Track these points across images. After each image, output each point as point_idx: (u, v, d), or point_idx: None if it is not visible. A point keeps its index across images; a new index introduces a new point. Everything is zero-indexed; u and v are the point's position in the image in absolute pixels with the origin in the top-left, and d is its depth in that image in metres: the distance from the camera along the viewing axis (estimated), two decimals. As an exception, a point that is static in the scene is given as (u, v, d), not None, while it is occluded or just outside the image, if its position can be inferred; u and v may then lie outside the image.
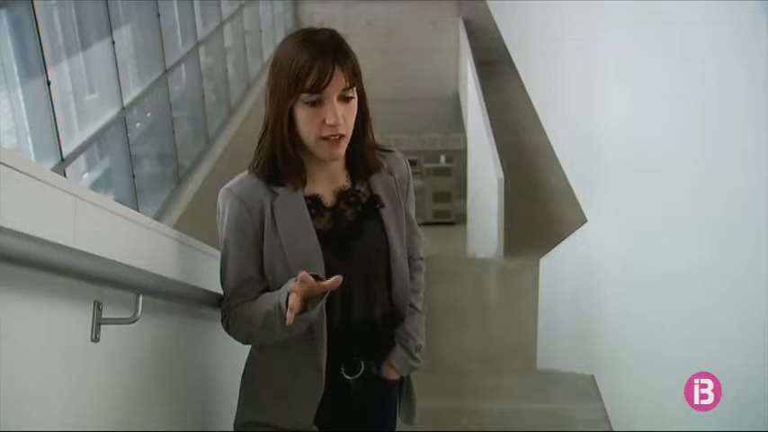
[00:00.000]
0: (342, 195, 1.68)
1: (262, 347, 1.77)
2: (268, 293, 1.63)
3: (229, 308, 1.69)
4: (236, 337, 1.73)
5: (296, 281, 1.47)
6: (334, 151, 1.57)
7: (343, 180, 1.69)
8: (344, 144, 1.58)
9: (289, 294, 1.48)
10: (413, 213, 1.85)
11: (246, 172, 1.66)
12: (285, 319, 1.46)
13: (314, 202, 1.65)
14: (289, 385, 1.71)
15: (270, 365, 1.74)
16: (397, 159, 1.76)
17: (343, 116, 1.53)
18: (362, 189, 1.70)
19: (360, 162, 1.68)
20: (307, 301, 1.50)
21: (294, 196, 1.63)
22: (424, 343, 1.83)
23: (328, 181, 1.68)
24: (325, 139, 1.55)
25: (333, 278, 1.45)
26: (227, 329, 1.72)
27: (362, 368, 1.75)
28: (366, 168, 1.69)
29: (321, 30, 1.57)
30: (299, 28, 1.85)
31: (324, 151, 1.57)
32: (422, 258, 1.92)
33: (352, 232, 1.67)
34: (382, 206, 1.70)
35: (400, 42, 12.16)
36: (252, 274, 1.65)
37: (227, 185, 1.66)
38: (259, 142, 1.63)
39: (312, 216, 1.64)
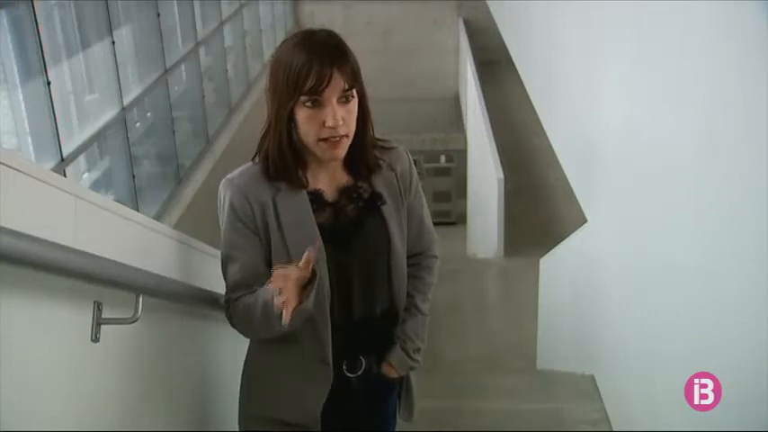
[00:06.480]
0: (343, 191, 1.69)
1: (263, 343, 1.76)
2: (264, 287, 1.59)
3: (232, 300, 1.67)
4: (240, 331, 1.71)
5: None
6: (335, 152, 1.58)
7: (344, 178, 1.70)
8: (345, 144, 1.59)
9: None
10: (422, 210, 1.83)
11: (250, 163, 1.67)
12: (281, 314, 1.43)
13: (315, 197, 1.65)
14: (295, 379, 1.70)
15: (273, 360, 1.74)
16: (399, 154, 1.76)
17: (342, 118, 1.54)
18: (364, 185, 1.70)
19: (360, 161, 1.68)
20: (301, 293, 1.45)
21: (296, 191, 1.63)
22: (424, 345, 1.83)
23: (330, 178, 1.68)
24: (324, 140, 1.56)
25: (305, 256, 1.42)
26: (231, 321, 1.70)
27: (363, 365, 1.76)
28: (366, 167, 1.69)
29: (319, 30, 1.57)
30: (299, 28, 1.86)
31: (324, 152, 1.58)
32: (436, 257, 1.89)
33: (354, 228, 1.68)
34: (383, 203, 1.70)
35: (400, 42, 12.14)
36: (256, 265, 1.64)
37: (229, 176, 1.65)
38: (263, 136, 1.63)
39: (313, 211, 1.64)
